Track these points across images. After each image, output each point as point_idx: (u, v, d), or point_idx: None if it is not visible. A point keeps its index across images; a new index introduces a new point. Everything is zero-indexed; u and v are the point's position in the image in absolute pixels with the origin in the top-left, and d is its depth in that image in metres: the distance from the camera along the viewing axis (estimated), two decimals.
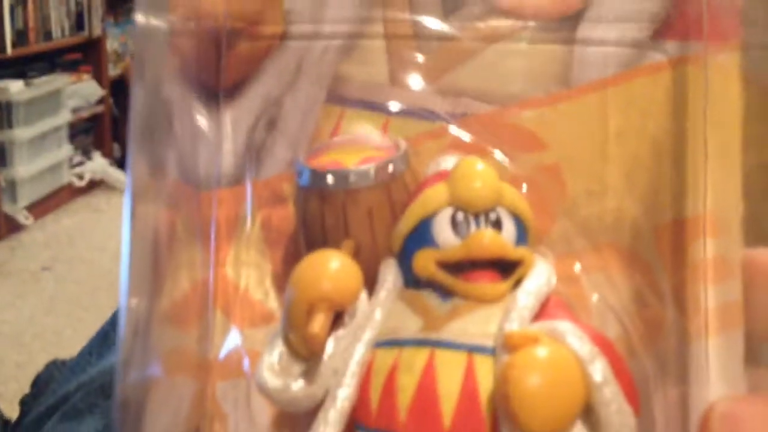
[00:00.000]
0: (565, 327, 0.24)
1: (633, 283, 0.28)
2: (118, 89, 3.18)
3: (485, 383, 0.23)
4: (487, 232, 0.25)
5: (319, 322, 0.24)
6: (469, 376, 0.24)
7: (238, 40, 0.30)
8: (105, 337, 0.53)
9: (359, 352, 0.25)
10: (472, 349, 0.24)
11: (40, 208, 2.71)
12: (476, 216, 0.26)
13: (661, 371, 0.27)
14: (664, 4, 0.29)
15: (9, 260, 2.43)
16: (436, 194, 0.26)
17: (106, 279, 2.28)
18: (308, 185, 0.28)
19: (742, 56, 0.27)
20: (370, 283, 0.27)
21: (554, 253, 0.28)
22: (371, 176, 0.27)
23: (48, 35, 2.85)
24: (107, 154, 3.16)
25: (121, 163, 3.11)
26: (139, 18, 0.29)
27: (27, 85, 2.61)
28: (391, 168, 0.27)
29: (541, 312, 0.25)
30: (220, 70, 0.30)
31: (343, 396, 0.25)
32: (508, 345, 0.23)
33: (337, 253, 0.26)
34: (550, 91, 0.29)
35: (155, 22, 0.29)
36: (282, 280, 0.29)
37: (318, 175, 0.27)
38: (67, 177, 2.88)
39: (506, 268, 0.26)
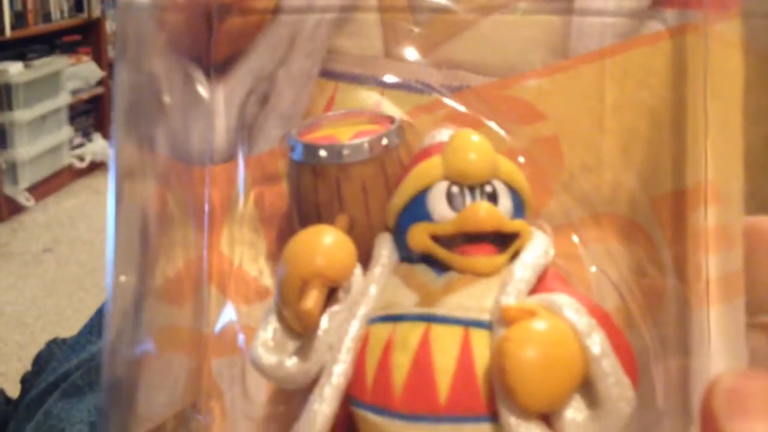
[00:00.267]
0: (563, 300, 0.23)
1: (632, 254, 0.28)
2: None
3: (481, 358, 0.23)
4: (483, 205, 0.25)
5: (312, 298, 0.24)
6: (465, 350, 0.23)
7: (229, 14, 0.30)
8: (104, 316, 0.53)
9: (354, 327, 0.25)
10: (468, 324, 0.24)
11: (41, 189, 2.71)
12: (471, 189, 0.25)
13: (662, 342, 0.27)
14: None
15: (10, 242, 2.43)
16: (430, 167, 0.26)
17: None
18: (301, 160, 0.27)
19: (742, 25, 0.27)
20: (365, 258, 0.26)
21: (552, 226, 0.28)
22: (365, 150, 0.27)
23: (47, 17, 2.84)
24: (107, 136, 3.15)
25: None
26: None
27: (26, 67, 2.60)
28: (385, 141, 0.27)
29: (539, 285, 0.25)
30: (210, 45, 0.29)
31: (339, 372, 0.24)
32: (504, 318, 0.23)
33: (331, 228, 0.25)
34: (547, 63, 0.29)
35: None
36: (276, 257, 0.29)
37: (311, 150, 0.27)
38: (68, 159, 2.87)
39: (503, 241, 0.25)
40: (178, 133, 0.30)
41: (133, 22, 0.28)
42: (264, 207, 0.30)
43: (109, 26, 3.17)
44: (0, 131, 2.53)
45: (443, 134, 0.27)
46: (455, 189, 0.25)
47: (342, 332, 0.25)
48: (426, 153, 0.26)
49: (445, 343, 0.24)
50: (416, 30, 0.30)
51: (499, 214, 0.25)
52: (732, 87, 0.26)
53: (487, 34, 0.30)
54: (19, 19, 2.66)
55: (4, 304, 2.08)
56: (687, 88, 0.27)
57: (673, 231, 0.27)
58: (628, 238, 0.28)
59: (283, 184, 0.29)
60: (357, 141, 0.27)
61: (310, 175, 0.27)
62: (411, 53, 0.30)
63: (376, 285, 0.26)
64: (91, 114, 3.11)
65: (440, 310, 0.24)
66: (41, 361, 0.65)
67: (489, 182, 0.25)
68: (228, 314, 0.29)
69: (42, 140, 2.66)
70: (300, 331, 0.25)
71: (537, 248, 0.25)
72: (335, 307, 0.25)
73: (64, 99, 2.79)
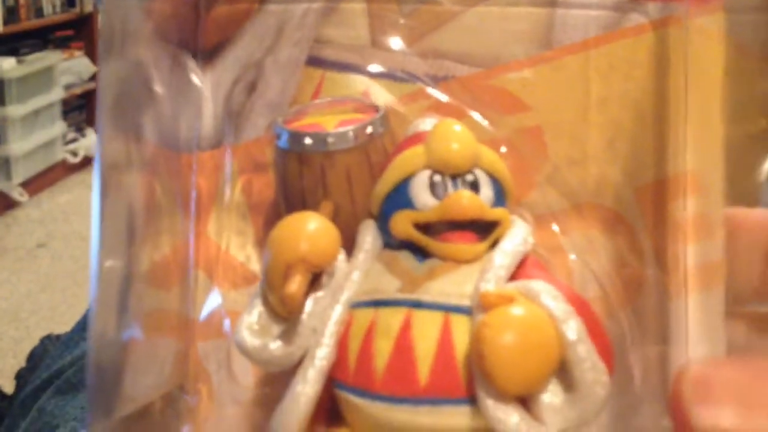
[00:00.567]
0: (540, 286, 0.24)
1: (614, 245, 0.28)
2: None
3: (461, 343, 0.24)
4: (464, 193, 0.25)
5: (296, 283, 0.24)
6: (445, 335, 0.24)
7: (216, 2, 0.30)
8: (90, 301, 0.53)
9: (337, 312, 0.25)
10: (449, 309, 0.24)
11: (35, 185, 2.70)
12: (453, 178, 0.26)
13: (640, 330, 0.28)
14: None
15: (4, 237, 2.43)
16: (413, 156, 0.26)
17: None
18: (287, 148, 0.27)
19: (724, 19, 0.27)
20: (349, 244, 0.27)
21: (534, 215, 0.28)
22: (350, 138, 0.27)
23: (39, 12, 2.83)
24: None
25: None
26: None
27: (19, 62, 2.59)
28: (369, 130, 0.27)
29: (518, 272, 0.25)
30: (198, 32, 0.30)
31: (322, 355, 0.25)
32: (483, 304, 0.23)
33: (315, 214, 0.26)
34: (531, 54, 0.29)
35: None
36: (263, 243, 0.29)
37: (296, 138, 0.27)
38: (61, 154, 2.86)
39: (484, 229, 0.26)
40: (166, 120, 0.30)
41: (120, 11, 0.29)
42: (251, 194, 0.30)
43: (101, 21, 3.15)
44: None
45: (427, 123, 0.28)
46: (437, 178, 0.26)
47: (325, 317, 0.25)
48: (409, 142, 0.27)
49: (426, 328, 0.24)
50: (402, 21, 0.30)
51: (480, 202, 0.25)
52: (712, 79, 0.27)
53: (472, 25, 0.30)
54: (11, 14, 2.66)
55: None
56: (669, 80, 0.28)
57: (654, 221, 0.28)
58: (609, 228, 0.28)
59: (270, 172, 0.30)
60: (342, 129, 0.27)
61: (295, 162, 0.27)
62: (396, 43, 0.30)
63: (360, 271, 0.26)
64: (84, 109, 3.10)
65: (422, 296, 0.25)
66: (35, 358, 0.65)
67: (471, 171, 0.26)
68: (215, 299, 0.30)
69: (35, 135, 2.65)
70: (284, 315, 0.25)
71: (517, 236, 0.26)
72: (319, 293, 0.25)
73: (57, 94, 2.78)
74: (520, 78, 0.29)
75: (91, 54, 3.08)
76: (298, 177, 0.27)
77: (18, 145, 2.55)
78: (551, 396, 0.23)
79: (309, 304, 0.25)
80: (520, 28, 0.30)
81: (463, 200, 0.25)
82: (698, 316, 0.26)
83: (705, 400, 0.21)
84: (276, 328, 0.25)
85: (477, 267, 0.25)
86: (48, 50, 2.81)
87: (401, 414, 0.24)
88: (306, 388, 0.24)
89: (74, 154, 2.93)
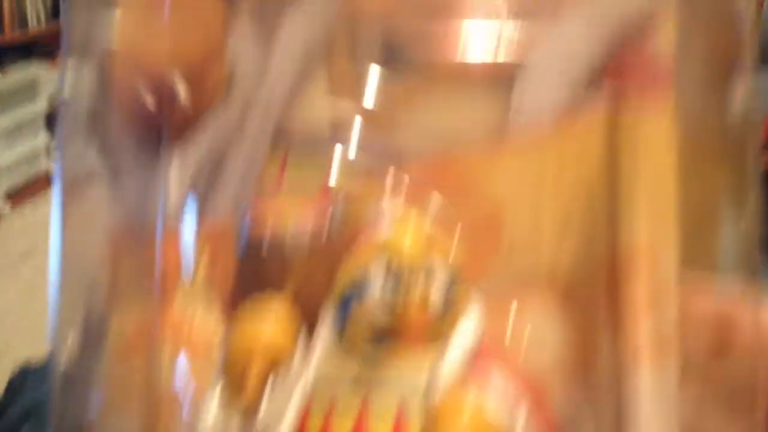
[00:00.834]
0: (492, 386, 0.25)
1: (568, 322, 0.29)
2: None
3: (415, 426, 0.25)
4: (417, 301, 0.26)
5: (254, 377, 0.25)
6: (400, 419, 0.25)
7: (181, 87, 0.31)
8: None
9: (295, 402, 0.26)
10: (404, 392, 0.25)
11: (18, 196, 2.69)
12: (411, 268, 0.26)
13: (594, 403, 0.28)
14: (600, 59, 0.30)
15: None
16: (370, 250, 0.27)
17: None
18: (245, 250, 0.28)
19: (675, 111, 0.28)
20: (311, 325, 0.28)
21: (489, 295, 0.29)
22: (306, 244, 0.28)
23: (23, 23, 2.82)
24: None
25: None
26: (71, 65, 0.29)
27: (3, 73, 2.58)
28: (326, 229, 0.28)
29: (475, 359, 0.26)
30: (163, 120, 0.30)
31: None
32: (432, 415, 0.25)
33: (275, 303, 0.26)
34: (489, 139, 0.30)
35: (89, 74, 0.29)
36: (227, 323, 0.30)
37: (255, 243, 0.28)
38: (45, 165, 2.85)
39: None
40: (131, 200, 0.31)
41: (83, 86, 0.29)
42: (215, 274, 0.31)
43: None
44: None
45: (386, 208, 0.28)
46: (394, 268, 0.26)
47: (283, 407, 0.26)
48: (367, 234, 0.28)
49: (381, 411, 0.25)
50: (365, 103, 0.31)
51: (434, 307, 0.26)
52: (664, 171, 0.28)
53: (433, 108, 0.31)
54: None
55: None
56: (621, 171, 0.29)
57: (608, 295, 0.29)
58: (563, 306, 0.29)
59: (233, 252, 0.30)
60: (299, 233, 0.28)
61: (256, 255, 0.28)
62: (359, 126, 0.31)
63: (319, 356, 0.27)
64: None
65: (378, 379, 0.26)
66: (14, 388, 0.66)
67: (427, 261, 0.27)
68: (179, 376, 0.30)
69: (19, 147, 2.65)
70: (242, 407, 0.26)
71: (469, 326, 0.27)
72: (277, 382, 0.26)
73: (40, 105, 2.77)
74: (478, 164, 0.30)
75: None
76: (260, 265, 0.28)
77: (1, 157, 2.54)
78: None
79: (266, 397, 0.26)
80: (477, 113, 0.31)
81: (414, 312, 0.26)
82: (650, 392, 0.27)
83: None
84: (235, 421, 0.26)
85: (433, 349, 0.26)
86: (32, 61, 2.80)
87: None
88: None
89: None
